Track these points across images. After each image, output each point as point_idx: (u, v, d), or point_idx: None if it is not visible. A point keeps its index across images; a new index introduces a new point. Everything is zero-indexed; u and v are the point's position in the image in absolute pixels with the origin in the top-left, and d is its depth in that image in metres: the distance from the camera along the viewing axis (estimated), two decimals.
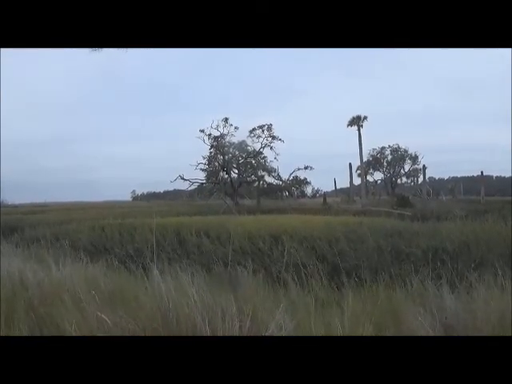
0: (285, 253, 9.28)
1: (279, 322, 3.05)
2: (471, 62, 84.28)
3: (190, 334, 2.97)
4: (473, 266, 7.17)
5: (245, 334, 2.96)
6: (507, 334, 2.85)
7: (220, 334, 2.94)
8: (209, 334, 2.93)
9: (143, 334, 2.99)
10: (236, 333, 2.96)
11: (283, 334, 2.95)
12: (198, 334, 2.94)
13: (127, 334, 3.00)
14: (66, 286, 4.37)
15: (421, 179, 40.96)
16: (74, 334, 3.04)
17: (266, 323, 3.02)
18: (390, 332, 3.21)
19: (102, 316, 3.11)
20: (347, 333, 2.98)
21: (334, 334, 2.99)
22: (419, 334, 3.06)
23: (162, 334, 2.98)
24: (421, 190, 36.32)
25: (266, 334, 2.94)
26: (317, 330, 3.04)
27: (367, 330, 2.97)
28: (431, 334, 3.04)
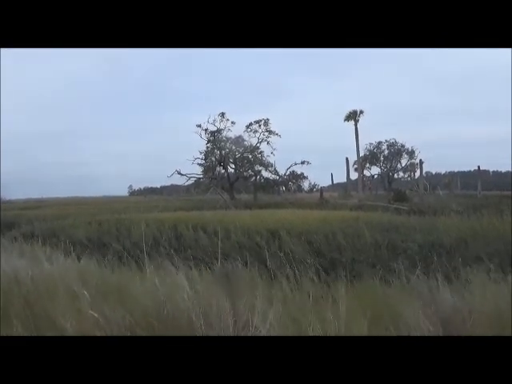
0: (282, 247, 9.30)
1: (275, 316, 3.05)
2: (470, 59, 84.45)
3: (184, 329, 2.97)
4: (470, 260, 7.19)
5: (240, 329, 2.96)
6: (504, 330, 2.86)
7: (215, 328, 2.93)
8: (203, 329, 2.93)
9: (138, 329, 2.99)
10: (231, 328, 2.96)
11: (276, 326, 2.95)
12: (193, 329, 2.94)
13: (123, 329, 3.00)
14: (62, 281, 4.35)
15: (418, 174, 40.96)
16: (69, 329, 3.04)
17: (261, 318, 3.01)
18: (385, 326, 3.22)
19: (93, 313, 3.11)
20: (342, 326, 2.98)
21: (329, 328, 2.99)
22: (415, 329, 3.07)
23: (157, 329, 2.98)
24: (417, 185, 36.33)
25: (255, 325, 2.94)
26: (312, 324, 3.04)
27: (362, 325, 2.97)
28: (427, 328, 3.04)
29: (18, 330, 3.21)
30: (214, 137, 37.65)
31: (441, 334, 2.90)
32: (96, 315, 3.09)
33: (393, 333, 3.09)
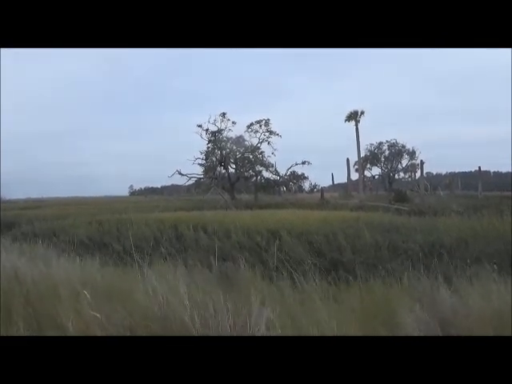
0: (282, 248, 9.30)
1: (274, 316, 3.05)
2: (470, 59, 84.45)
3: (182, 330, 2.96)
4: (470, 261, 7.19)
5: (238, 330, 2.96)
6: (504, 330, 2.85)
7: (213, 328, 2.93)
8: (201, 329, 2.93)
9: (137, 329, 2.99)
10: (229, 328, 2.95)
11: (275, 327, 2.95)
12: (191, 330, 2.94)
13: (121, 330, 3.01)
14: (62, 280, 4.35)
15: (418, 174, 40.92)
16: (69, 328, 3.05)
17: (261, 318, 3.01)
18: (384, 326, 3.21)
19: (95, 314, 3.11)
20: (342, 326, 2.98)
21: (329, 329, 2.99)
22: (414, 330, 3.06)
23: (155, 329, 2.98)
24: (418, 185, 36.28)
25: (253, 325, 2.93)
26: (312, 324, 3.04)
27: (362, 325, 2.97)
28: (426, 327, 3.04)
29: (19, 329, 3.21)
30: (215, 137, 37.62)
31: (440, 334, 2.90)
32: (98, 315, 3.09)
33: (392, 333, 3.09)
